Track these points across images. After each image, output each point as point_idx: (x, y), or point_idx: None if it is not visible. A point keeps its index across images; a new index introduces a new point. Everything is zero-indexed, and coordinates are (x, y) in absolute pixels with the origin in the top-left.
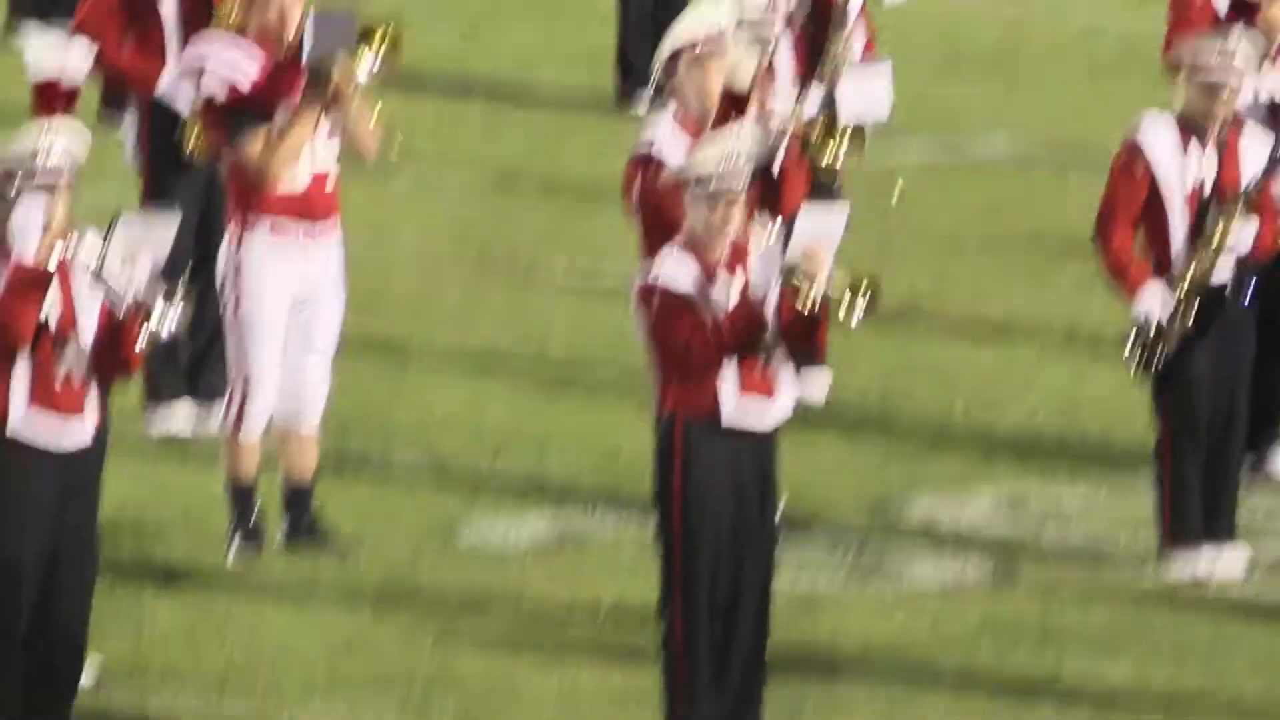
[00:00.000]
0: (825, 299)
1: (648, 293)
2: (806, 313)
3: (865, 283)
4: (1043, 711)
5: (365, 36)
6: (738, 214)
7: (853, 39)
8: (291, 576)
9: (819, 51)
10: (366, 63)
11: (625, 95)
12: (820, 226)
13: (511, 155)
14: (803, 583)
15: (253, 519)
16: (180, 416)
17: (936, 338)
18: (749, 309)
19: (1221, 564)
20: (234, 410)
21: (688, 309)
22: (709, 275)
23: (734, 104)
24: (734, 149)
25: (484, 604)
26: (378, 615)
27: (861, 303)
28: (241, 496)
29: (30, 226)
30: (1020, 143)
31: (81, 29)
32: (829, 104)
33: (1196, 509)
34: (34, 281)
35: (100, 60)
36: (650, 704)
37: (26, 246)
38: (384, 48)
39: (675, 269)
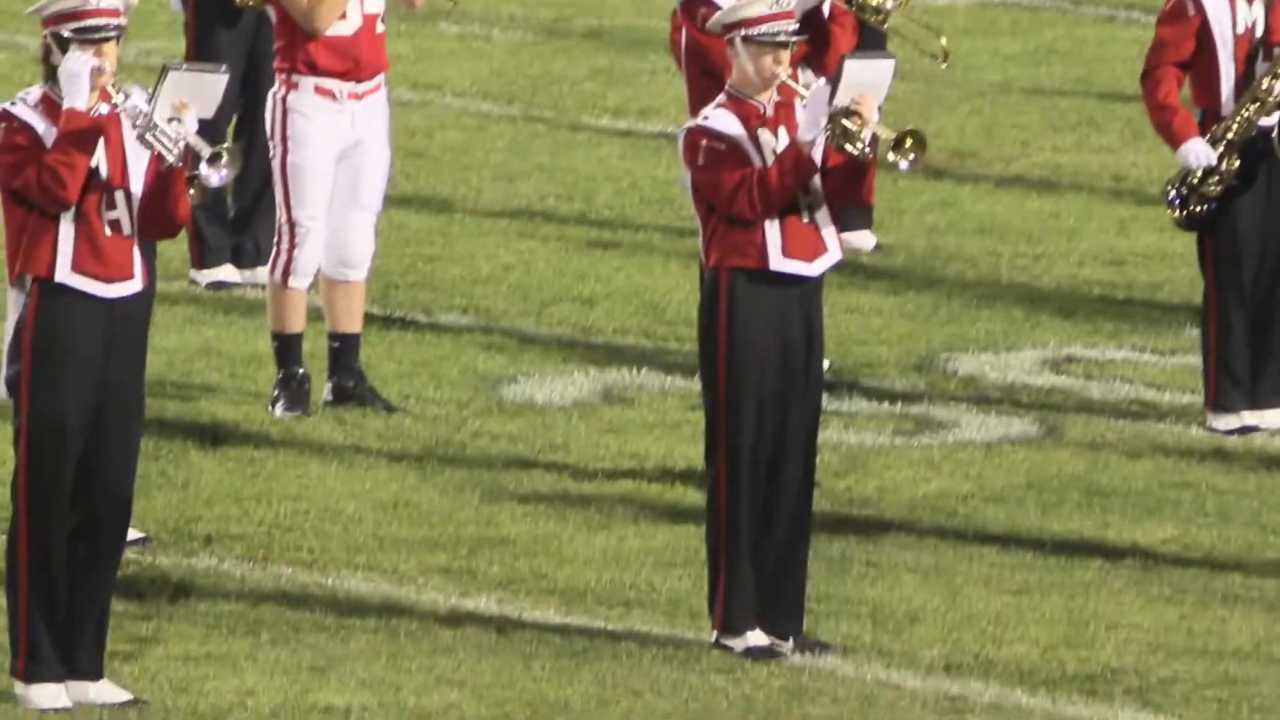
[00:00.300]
0: (873, 145)
1: (695, 139)
2: (857, 155)
3: (913, 132)
4: (1087, 570)
5: None
6: (785, 62)
7: None
8: (337, 436)
9: None
10: None
11: None
12: (868, 76)
13: (556, 6)
14: (848, 439)
15: (299, 372)
16: (225, 274)
17: (982, 189)
18: (796, 155)
19: (1268, 419)
20: (282, 259)
21: (735, 155)
22: (756, 124)
23: None
24: None
25: (529, 462)
26: (423, 475)
27: (910, 150)
28: (287, 347)
29: (81, 75)
30: None
31: None
32: None
33: (1243, 363)
34: (85, 132)
35: None
36: (696, 563)
37: (76, 96)
38: None
39: (723, 116)
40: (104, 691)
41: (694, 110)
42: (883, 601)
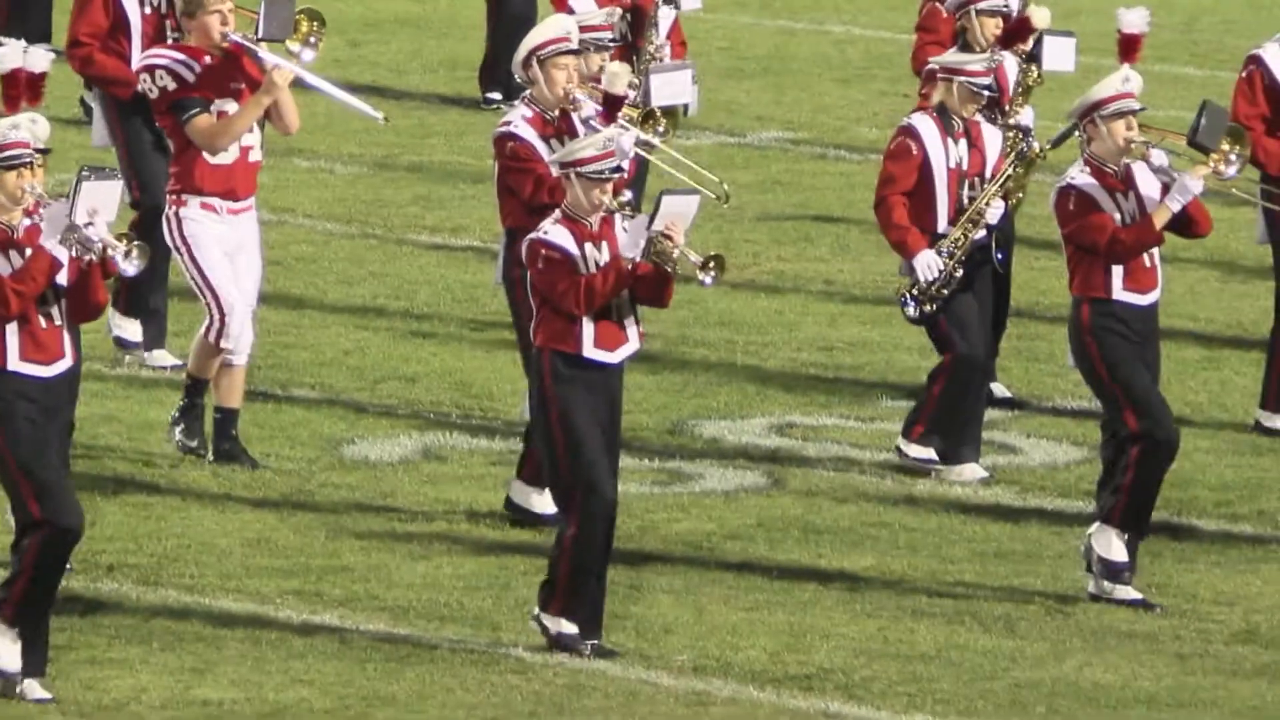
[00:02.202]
0: (676, 263)
1: (536, 248)
2: (669, 270)
3: (717, 256)
4: (805, 592)
5: (296, 27)
6: (609, 192)
7: (664, 43)
8: (212, 485)
9: (634, 55)
10: (309, 50)
11: (484, 91)
12: (679, 208)
13: (386, 146)
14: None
15: (199, 403)
16: (130, 328)
17: (721, 291)
18: (619, 269)
19: (964, 474)
20: (215, 326)
21: (568, 263)
22: (584, 240)
23: (610, 104)
24: (610, 140)
25: (365, 507)
26: (280, 517)
27: (713, 269)
28: (197, 386)
29: (59, 223)
30: (788, 132)
31: (76, 43)
32: (644, 95)
33: (950, 423)
34: (47, 271)
35: (89, 66)
36: (496, 586)
37: (51, 238)
38: (316, 35)
39: (559, 231)
40: (32, 689)
41: (504, 217)
42: (643, 616)
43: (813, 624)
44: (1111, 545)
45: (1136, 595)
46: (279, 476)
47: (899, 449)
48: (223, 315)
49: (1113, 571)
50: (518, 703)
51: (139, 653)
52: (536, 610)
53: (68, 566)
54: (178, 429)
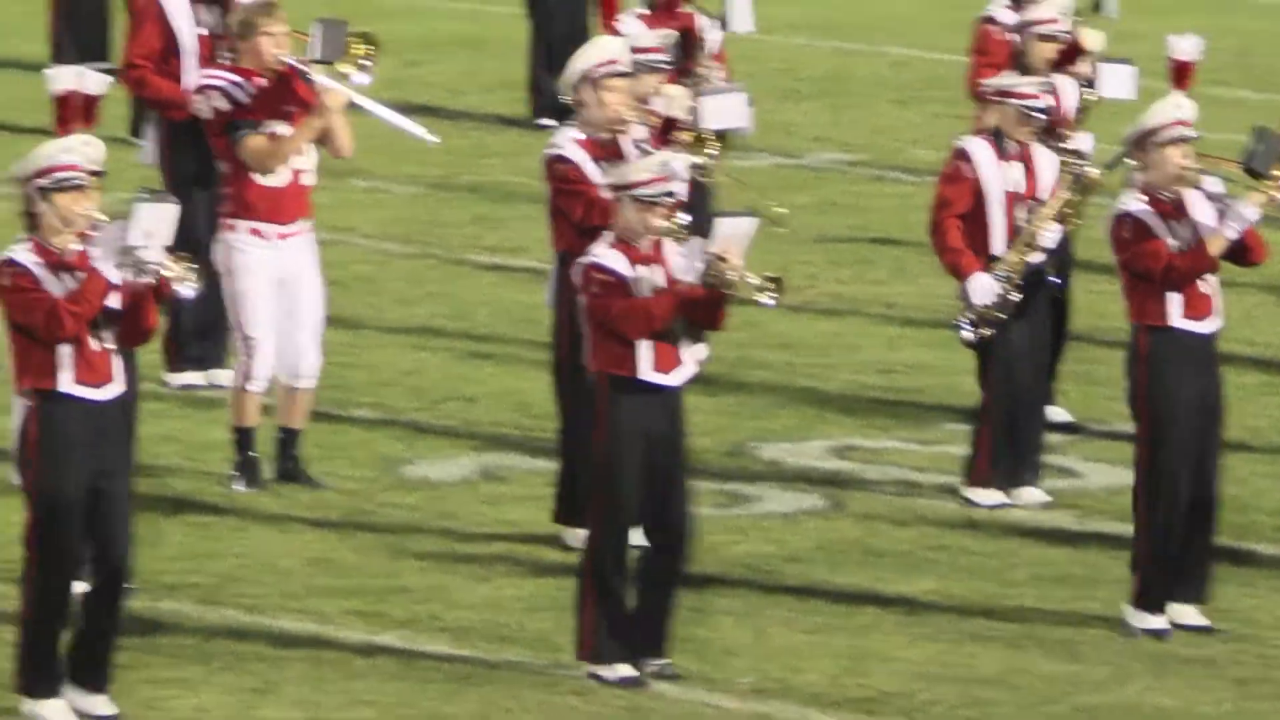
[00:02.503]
0: (735, 285)
1: (590, 273)
2: (725, 295)
3: (776, 277)
4: (865, 615)
5: (349, 49)
6: (663, 216)
7: (713, 65)
8: (273, 506)
9: (684, 78)
10: (362, 74)
11: (535, 115)
12: (737, 230)
13: (445, 166)
14: None
15: (254, 456)
16: (191, 378)
17: (780, 312)
18: (676, 293)
19: (1024, 498)
20: (241, 368)
21: (621, 287)
22: (638, 262)
23: (667, 127)
24: (664, 164)
25: (424, 528)
26: (341, 537)
27: (773, 290)
28: (245, 437)
29: (112, 247)
30: (845, 154)
31: (131, 65)
32: (696, 118)
33: (1005, 453)
34: (102, 293)
35: (142, 88)
36: (556, 607)
37: (105, 261)
38: (370, 58)
39: (612, 255)
40: (98, 704)
41: (556, 240)
42: (705, 639)
43: (873, 647)
44: (1146, 619)
45: (1201, 621)
46: (339, 496)
47: (965, 498)
48: (249, 356)
49: (1156, 638)
50: None
51: (200, 672)
52: (588, 668)
53: (128, 586)
54: (238, 485)
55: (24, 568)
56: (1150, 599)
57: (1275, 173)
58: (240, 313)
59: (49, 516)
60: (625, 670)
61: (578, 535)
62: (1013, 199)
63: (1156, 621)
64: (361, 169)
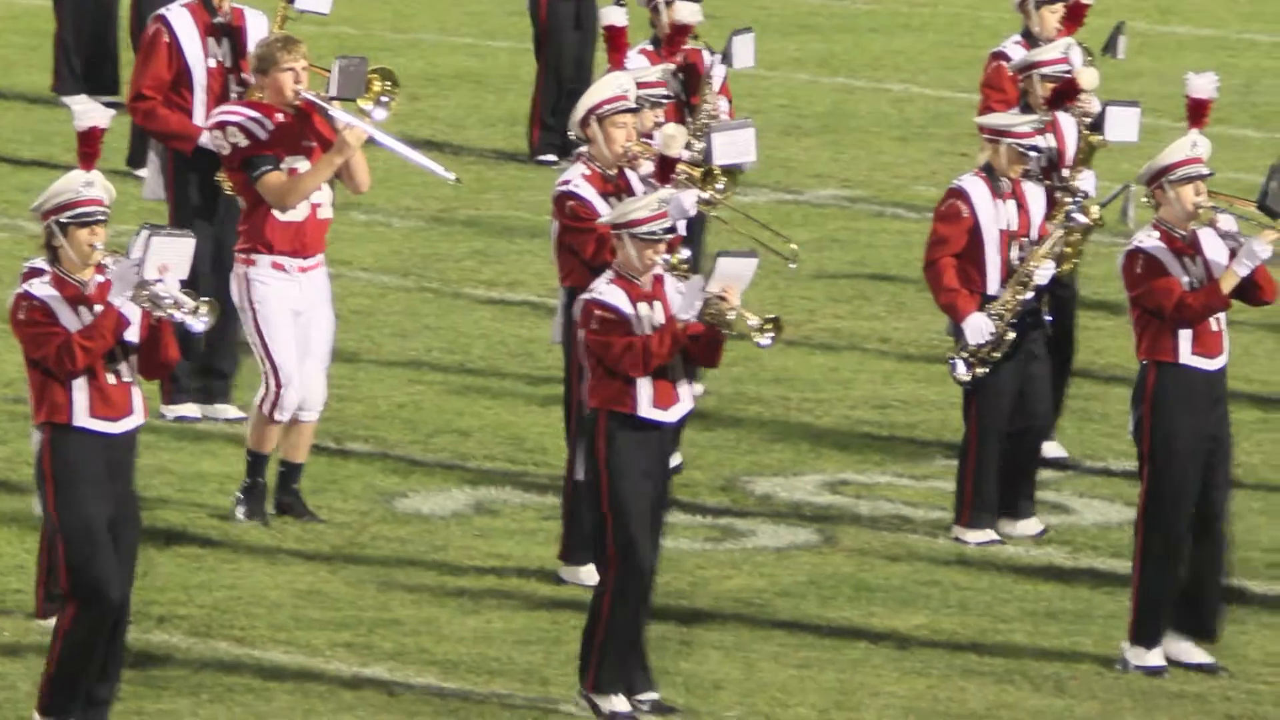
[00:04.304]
0: (734, 325)
1: (590, 309)
2: (725, 332)
3: (775, 319)
4: (855, 650)
5: (368, 85)
6: (662, 252)
7: (718, 99)
8: (264, 538)
9: (689, 113)
10: (380, 109)
11: (538, 152)
12: (736, 269)
13: (444, 199)
14: (668, 544)
15: (262, 482)
16: (187, 410)
17: (776, 348)
18: (674, 330)
19: (1018, 531)
20: (270, 397)
21: (622, 324)
22: (638, 299)
23: (664, 166)
24: (664, 201)
25: (416, 561)
26: (332, 569)
27: (770, 330)
28: (258, 462)
29: (129, 280)
30: (846, 190)
31: (140, 96)
32: (707, 154)
33: (992, 491)
34: (115, 328)
35: (151, 120)
36: (547, 640)
37: (120, 295)
38: (389, 94)
39: (613, 291)
40: None
41: (564, 276)
42: (694, 672)
43: (863, 682)
44: (1142, 655)
45: (1204, 659)
46: (331, 529)
47: (957, 539)
48: (279, 386)
49: (1150, 675)
50: None
51: (189, 705)
52: (585, 690)
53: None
54: (240, 509)
55: (62, 600)
56: (1146, 634)
57: None
58: (269, 345)
59: (79, 538)
60: (619, 704)
61: (578, 574)
62: (1006, 237)
63: (1152, 658)
64: (361, 202)
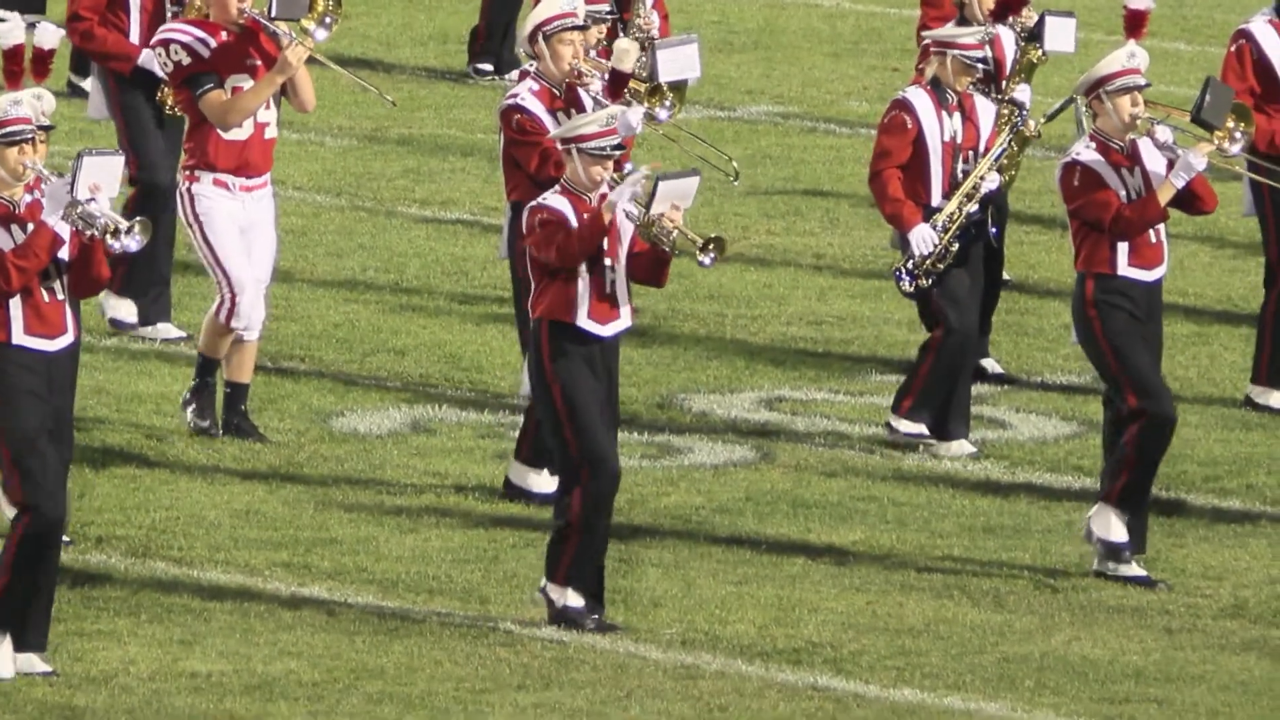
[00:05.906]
0: (677, 244)
1: (535, 212)
2: (667, 250)
3: (717, 238)
4: (794, 566)
5: (311, 6)
6: (610, 168)
7: (651, 15)
8: (201, 457)
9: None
10: (322, 29)
11: (472, 61)
12: (679, 189)
13: (376, 119)
14: None
15: (210, 382)
16: (125, 308)
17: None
18: (602, 221)
19: (953, 450)
20: (225, 305)
21: (563, 227)
22: (583, 211)
23: (616, 81)
24: (612, 117)
25: (353, 480)
26: (269, 489)
27: (712, 249)
28: (208, 365)
29: (61, 199)
30: (778, 106)
31: (76, 16)
32: (651, 70)
33: (938, 398)
34: (49, 247)
35: (89, 40)
36: (485, 559)
37: (53, 214)
38: (332, 15)
39: (558, 200)
40: (35, 662)
41: (510, 190)
42: (632, 590)
43: (801, 598)
44: (1110, 525)
45: (1139, 573)
46: (268, 449)
47: (889, 424)
48: (234, 294)
49: (1113, 551)
50: (506, 675)
51: (127, 625)
52: (543, 582)
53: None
54: (189, 409)
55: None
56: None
57: (1225, 124)
58: (219, 255)
59: (22, 450)
60: (573, 599)
61: (539, 478)
62: (951, 149)
63: (1133, 569)
64: (294, 120)
